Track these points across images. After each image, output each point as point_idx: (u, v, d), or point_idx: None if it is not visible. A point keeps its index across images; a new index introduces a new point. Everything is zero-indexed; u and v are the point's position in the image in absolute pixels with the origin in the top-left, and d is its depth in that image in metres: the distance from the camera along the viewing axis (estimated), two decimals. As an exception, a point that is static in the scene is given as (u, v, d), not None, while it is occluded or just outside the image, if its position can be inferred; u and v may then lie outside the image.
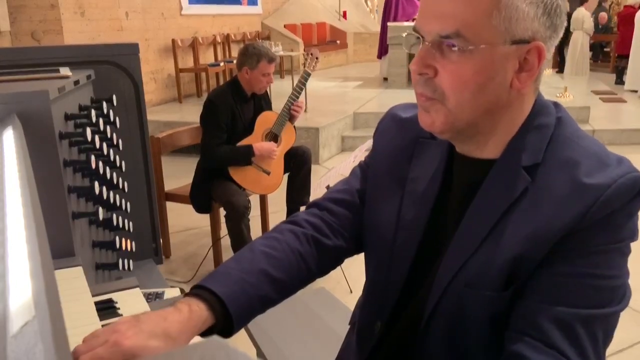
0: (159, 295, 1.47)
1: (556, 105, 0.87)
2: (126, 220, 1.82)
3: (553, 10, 0.77)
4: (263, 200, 3.49)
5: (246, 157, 2.96)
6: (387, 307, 0.95)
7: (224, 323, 0.83)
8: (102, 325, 1.05)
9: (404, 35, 0.84)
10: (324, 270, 1.00)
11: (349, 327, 1.17)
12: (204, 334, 0.82)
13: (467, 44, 0.75)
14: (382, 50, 8.27)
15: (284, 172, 3.21)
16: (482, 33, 0.75)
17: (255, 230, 3.21)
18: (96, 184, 1.49)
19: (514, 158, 0.82)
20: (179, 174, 3.76)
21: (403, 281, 0.93)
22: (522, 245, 0.78)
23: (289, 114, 3.14)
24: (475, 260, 0.82)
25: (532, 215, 0.78)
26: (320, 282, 1.07)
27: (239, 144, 3.01)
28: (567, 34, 9.92)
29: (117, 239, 1.68)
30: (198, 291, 0.82)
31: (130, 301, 1.20)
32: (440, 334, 0.87)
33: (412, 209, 0.93)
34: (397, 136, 0.99)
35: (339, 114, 5.96)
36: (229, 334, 0.85)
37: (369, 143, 3.18)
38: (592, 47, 11.88)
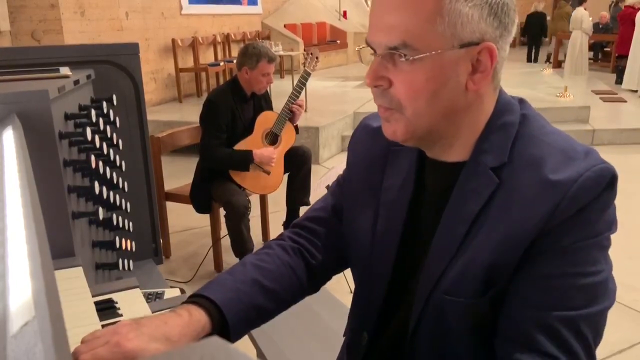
0: (159, 296, 1.47)
1: (521, 101, 0.86)
2: (126, 220, 1.82)
3: (500, 9, 0.77)
4: (263, 200, 3.49)
5: (245, 163, 2.96)
6: (371, 318, 0.95)
7: (222, 330, 0.84)
8: (102, 326, 1.05)
9: (356, 49, 0.86)
10: (314, 286, 1.02)
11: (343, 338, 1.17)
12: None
13: (415, 53, 0.75)
14: None
15: (284, 172, 3.21)
16: (428, 41, 0.75)
17: (255, 230, 3.21)
18: (96, 183, 1.49)
19: (481, 160, 0.81)
20: (179, 174, 3.76)
21: (384, 292, 0.93)
22: (496, 251, 0.77)
23: (289, 114, 3.14)
24: (453, 268, 0.81)
25: (503, 218, 0.77)
26: (320, 282, 1.07)
27: (239, 144, 3.01)
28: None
29: (117, 239, 1.68)
30: (195, 299, 0.84)
31: (130, 301, 1.20)
32: (427, 342, 0.87)
33: (388, 219, 0.92)
34: (370, 146, 0.99)
35: (339, 113, 5.96)
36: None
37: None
38: (592, 47, 11.89)
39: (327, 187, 2.81)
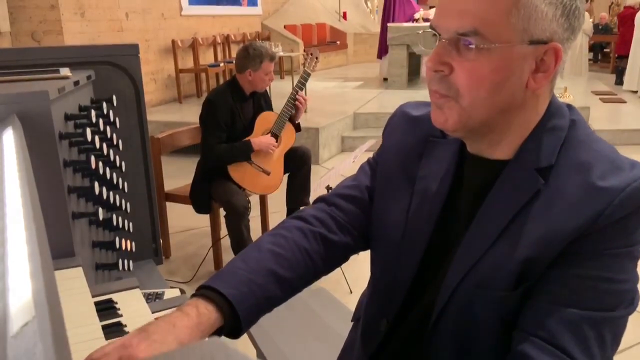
0: (158, 296, 1.47)
1: (570, 107, 0.87)
2: (126, 221, 1.82)
3: (572, 12, 0.76)
4: (263, 200, 3.49)
5: (245, 152, 2.96)
6: (393, 306, 0.95)
7: (232, 324, 0.82)
8: (102, 326, 1.05)
9: (419, 32, 0.84)
10: (330, 267, 0.99)
11: (351, 323, 1.16)
12: (212, 335, 0.82)
13: (484, 42, 0.74)
14: (382, 51, 8.28)
15: (284, 172, 3.21)
16: (500, 32, 0.74)
17: (255, 230, 3.20)
18: (96, 184, 1.49)
19: (527, 160, 0.81)
20: (179, 174, 3.76)
21: (410, 280, 0.92)
22: (533, 247, 0.78)
23: (289, 114, 3.14)
24: (486, 262, 0.82)
25: (545, 217, 0.78)
26: (320, 282, 1.07)
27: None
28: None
29: (117, 239, 1.68)
30: (205, 292, 0.81)
31: (130, 302, 1.20)
32: (449, 334, 0.87)
33: (422, 208, 0.92)
34: (407, 134, 0.98)
35: (339, 114, 5.96)
36: (236, 335, 0.85)
37: (369, 143, 3.18)
38: (592, 48, 11.90)
39: (327, 187, 2.81)
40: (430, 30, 0.81)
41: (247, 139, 3.00)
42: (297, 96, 3.11)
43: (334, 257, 0.99)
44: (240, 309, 0.81)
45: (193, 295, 0.82)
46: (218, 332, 0.82)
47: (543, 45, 0.76)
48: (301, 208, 3.26)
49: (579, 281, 0.77)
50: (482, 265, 0.82)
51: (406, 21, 7.89)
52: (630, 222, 0.76)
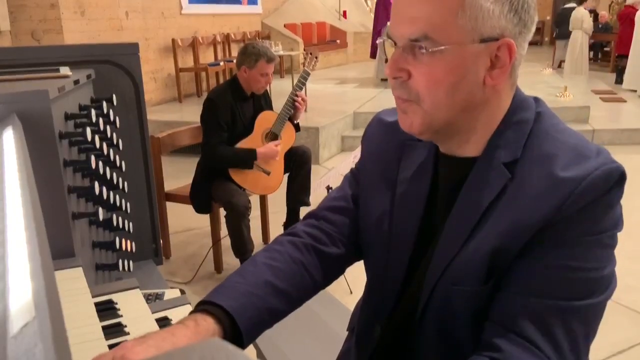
0: (159, 296, 1.47)
1: (536, 100, 0.88)
2: (126, 221, 1.82)
3: (520, 7, 0.78)
4: (263, 200, 3.49)
5: (248, 161, 2.96)
6: (385, 309, 0.96)
7: (233, 336, 0.82)
8: (102, 327, 1.05)
9: (377, 42, 0.87)
10: (327, 280, 1.01)
11: (347, 333, 1.17)
12: None
13: (435, 45, 0.77)
14: (374, 51, 8.33)
15: (284, 172, 3.21)
16: (449, 33, 0.76)
17: (255, 230, 3.20)
18: (96, 184, 1.49)
19: (494, 155, 0.83)
20: (179, 174, 3.76)
21: (400, 283, 0.94)
22: (500, 238, 0.79)
23: (289, 114, 3.14)
24: (460, 259, 0.83)
25: (511, 210, 0.79)
26: (320, 282, 1.06)
27: (239, 144, 3.00)
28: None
29: (117, 239, 1.68)
30: (205, 307, 0.82)
31: (130, 302, 1.20)
32: (432, 331, 0.89)
33: (404, 212, 0.94)
34: (384, 140, 1.00)
35: (338, 113, 5.96)
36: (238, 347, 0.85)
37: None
38: (592, 47, 11.89)
39: (327, 187, 2.81)
40: (387, 38, 0.84)
41: (248, 142, 3.00)
42: (296, 97, 3.11)
43: (328, 268, 1.00)
44: (240, 320, 0.82)
45: (192, 312, 0.83)
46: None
47: (494, 42, 0.78)
48: (301, 208, 3.27)
49: (544, 271, 0.77)
50: (457, 262, 0.84)
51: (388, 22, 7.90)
52: (594, 209, 0.76)
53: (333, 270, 1.01)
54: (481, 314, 0.83)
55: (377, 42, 0.87)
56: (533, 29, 0.82)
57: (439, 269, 0.86)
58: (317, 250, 0.98)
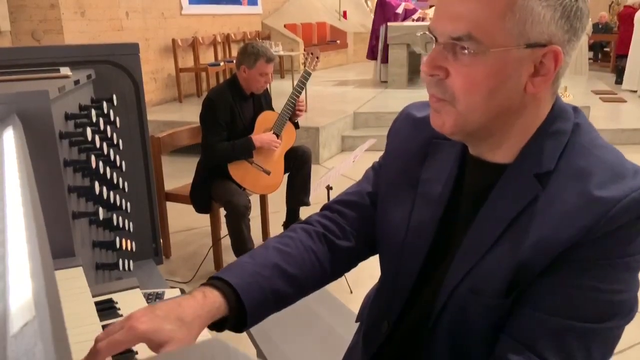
0: (159, 296, 1.47)
1: (575, 110, 0.84)
2: (126, 220, 1.82)
3: (572, 13, 0.74)
4: (263, 200, 3.49)
5: (247, 149, 2.96)
6: (395, 308, 0.95)
7: (238, 315, 0.83)
8: (103, 326, 1.05)
9: (418, 34, 0.83)
10: (337, 271, 1.00)
11: (352, 323, 1.17)
12: (218, 327, 0.83)
13: (479, 47, 0.73)
14: (371, 52, 8.36)
15: (284, 172, 3.21)
16: (494, 35, 0.73)
17: (255, 230, 3.20)
18: (96, 184, 1.49)
19: (527, 164, 0.80)
20: (179, 174, 3.76)
21: (412, 283, 0.92)
22: (526, 253, 0.77)
23: (290, 114, 3.14)
24: (481, 267, 0.81)
25: (540, 224, 0.77)
26: (320, 282, 1.07)
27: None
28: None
29: (117, 239, 1.68)
30: (213, 281, 0.84)
31: (131, 301, 1.20)
32: (445, 338, 0.87)
33: (424, 211, 0.91)
34: (411, 136, 0.97)
35: (339, 113, 5.96)
36: (242, 327, 0.86)
37: (369, 143, 3.17)
38: (592, 47, 11.89)
39: (328, 187, 2.81)
40: (427, 33, 0.80)
41: (248, 136, 3.00)
42: (298, 101, 3.12)
43: (339, 260, 0.99)
44: (245, 297, 0.83)
45: (201, 285, 0.84)
46: (223, 323, 0.83)
47: (541, 48, 0.74)
48: (301, 208, 3.27)
49: (568, 290, 0.75)
50: (478, 270, 0.81)
51: (385, 23, 7.89)
52: (625, 233, 0.73)
53: (343, 262, 1.01)
54: (496, 328, 0.81)
55: (417, 34, 0.83)
56: (582, 37, 0.78)
57: (458, 275, 0.83)
58: (329, 241, 0.98)
